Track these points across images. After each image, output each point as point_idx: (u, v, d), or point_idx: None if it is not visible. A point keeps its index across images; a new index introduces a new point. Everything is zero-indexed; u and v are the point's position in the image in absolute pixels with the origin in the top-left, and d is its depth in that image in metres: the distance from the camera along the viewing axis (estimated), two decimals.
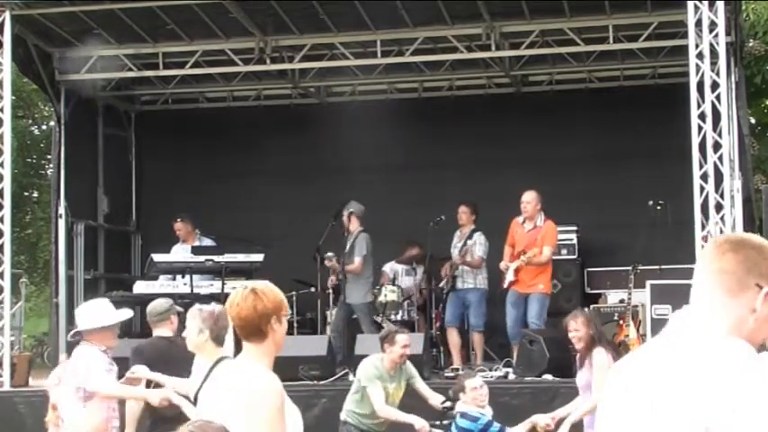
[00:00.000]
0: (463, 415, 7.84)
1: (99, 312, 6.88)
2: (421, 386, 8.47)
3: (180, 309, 7.59)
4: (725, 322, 2.35)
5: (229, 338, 6.85)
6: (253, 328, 4.07)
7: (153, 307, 7.47)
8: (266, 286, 4.16)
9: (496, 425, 7.81)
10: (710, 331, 2.34)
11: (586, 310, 8.31)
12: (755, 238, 2.46)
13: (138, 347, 7.41)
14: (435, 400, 8.32)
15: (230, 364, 4.24)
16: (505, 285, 11.24)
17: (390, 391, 8.25)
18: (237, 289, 4.14)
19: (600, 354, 7.72)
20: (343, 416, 8.33)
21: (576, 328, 7.74)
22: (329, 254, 11.83)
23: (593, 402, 7.58)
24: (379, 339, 8.51)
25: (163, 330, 7.33)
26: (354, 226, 11.87)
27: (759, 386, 2.20)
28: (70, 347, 7.17)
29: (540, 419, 7.87)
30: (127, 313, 7.24)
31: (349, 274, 11.64)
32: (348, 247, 11.81)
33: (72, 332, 6.95)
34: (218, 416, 3.88)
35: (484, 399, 7.94)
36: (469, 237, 11.94)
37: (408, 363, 8.49)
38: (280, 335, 4.13)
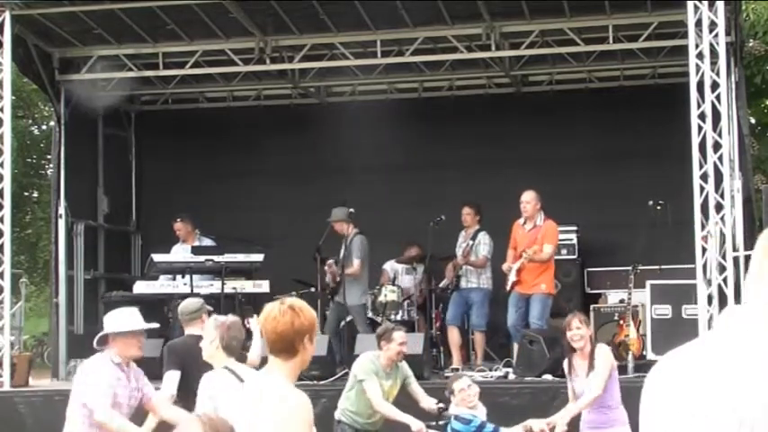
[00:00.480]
0: (456, 417, 7.85)
1: (126, 318, 6.78)
2: (415, 388, 8.43)
3: (210, 308, 7.73)
4: None
5: (254, 350, 6.97)
6: (286, 344, 4.12)
7: (185, 306, 7.58)
8: (302, 304, 4.23)
9: (490, 425, 7.79)
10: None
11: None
12: None
13: (171, 346, 7.50)
14: (427, 402, 8.29)
15: (257, 377, 4.29)
16: (508, 287, 11.25)
17: (386, 388, 8.22)
18: (274, 303, 4.18)
19: (603, 348, 7.79)
20: (337, 415, 8.31)
21: (579, 326, 7.78)
22: (330, 260, 11.86)
23: (593, 395, 7.60)
24: (376, 337, 8.50)
25: (194, 329, 7.39)
26: (349, 229, 11.86)
27: None
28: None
29: (535, 425, 7.87)
30: (152, 324, 7.14)
31: (347, 277, 11.66)
32: (344, 250, 11.82)
33: (97, 336, 6.85)
34: (249, 427, 3.97)
35: (473, 399, 7.93)
36: (474, 237, 11.95)
37: (404, 362, 8.47)
38: (309, 353, 4.18)
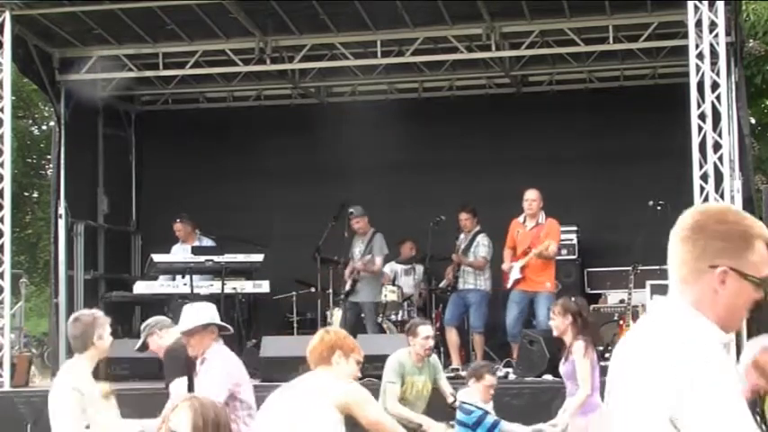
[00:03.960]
0: (460, 406, 7.85)
1: (189, 315, 6.70)
2: (443, 384, 8.45)
3: None
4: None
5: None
6: (316, 356, 5.47)
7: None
8: (338, 329, 5.82)
9: (491, 417, 7.77)
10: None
11: (573, 299, 8.04)
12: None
13: (172, 350, 7.11)
14: (450, 399, 8.34)
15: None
16: (510, 285, 11.24)
17: (420, 385, 8.20)
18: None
19: (578, 346, 7.62)
20: None
21: (552, 317, 7.72)
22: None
23: (583, 395, 7.58)
24: (405, 332, 8.56)
25: None
26: (367, 227, 12.00)
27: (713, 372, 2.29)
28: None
29: (546, 429, 7.85)
30: (191, 323, 6.71)
31: (365, 274, 11.76)
32: (365, 247, 11.94)
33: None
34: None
35: (490, 397, 7.93)
36: (472, 239, 11.94)
37: (435, 357, 8.48)
38: (342, 369, 5.48)
